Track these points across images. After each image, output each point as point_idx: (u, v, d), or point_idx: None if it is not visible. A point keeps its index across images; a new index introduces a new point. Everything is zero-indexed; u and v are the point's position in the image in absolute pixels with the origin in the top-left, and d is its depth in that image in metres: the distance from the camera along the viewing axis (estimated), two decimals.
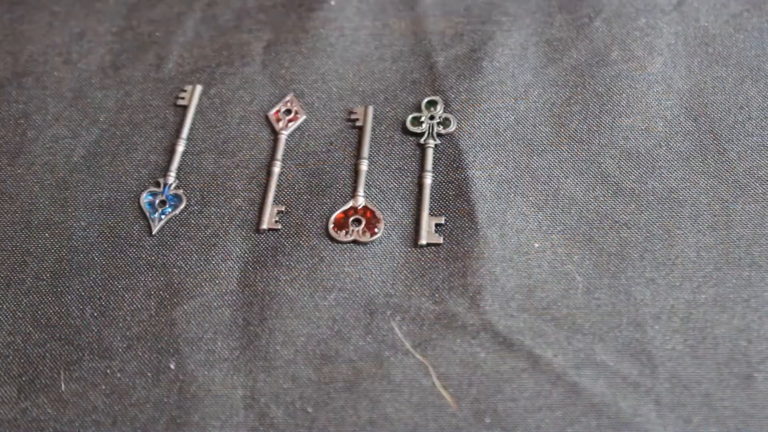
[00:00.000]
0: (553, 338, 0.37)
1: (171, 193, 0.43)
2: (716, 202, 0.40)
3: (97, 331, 0.38)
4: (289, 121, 0.45)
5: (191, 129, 0.45)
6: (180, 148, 0.44)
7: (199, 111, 0.46)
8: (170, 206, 0.42)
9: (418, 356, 0.36)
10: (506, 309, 0.37)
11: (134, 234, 0.41)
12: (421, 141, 0.43)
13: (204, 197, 0.43)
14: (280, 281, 0.39)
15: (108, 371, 0.37)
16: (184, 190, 0.43)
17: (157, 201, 0.42)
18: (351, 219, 0.41)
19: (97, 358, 0.37)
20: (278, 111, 0.46)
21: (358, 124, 0.45)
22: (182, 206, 0.42)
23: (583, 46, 0.47)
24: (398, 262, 0.40)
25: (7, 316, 0.39)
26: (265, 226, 0.41)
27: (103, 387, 0.37)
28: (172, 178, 0.43)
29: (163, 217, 0.42)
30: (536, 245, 0.39)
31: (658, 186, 0.41)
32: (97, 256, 0.40)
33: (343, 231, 0.40)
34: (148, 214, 0.42)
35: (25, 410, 0.36)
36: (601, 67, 0.45)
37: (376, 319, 0.38)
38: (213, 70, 0.48)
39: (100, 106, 0.47)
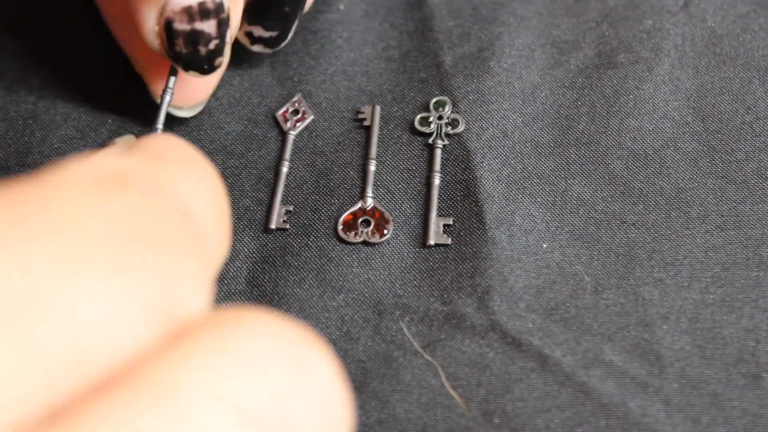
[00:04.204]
0: (561, 338, 0.37)
1: None
2: (724, 203, 0.40)
3: None
4: (297, 121, 0.45)
5: (199, 130, 0.45)
6: None
7: (207, 112, 0.46)
8: None
9: (426, 357, 0.36)
10: (515, 309, 0.37)
11: None
12: (430, 141, 0.43)
13: None
14: (288, 281, 0.39)
15: None
16: None
17: None
18: (360, 220, 0.41)
19: None
20: (286, 111, 0.46)
21: (366, 123, 0.45)
22: None
23: (590, 48, 0.46)
24: (406, 263, 0.40)
25: None
26: (273, 225, 0.41)
27: None
28: None
29: None
30: (544, 246, 0.39)
31: (666, 186, 0.41)
32: None
33: (353, 232, 0.40)
34: None
35: None
36: (608, 69, 0.45)
37: (384, 319, 0.38)
38: None
39: (108, 107, 0.47)
